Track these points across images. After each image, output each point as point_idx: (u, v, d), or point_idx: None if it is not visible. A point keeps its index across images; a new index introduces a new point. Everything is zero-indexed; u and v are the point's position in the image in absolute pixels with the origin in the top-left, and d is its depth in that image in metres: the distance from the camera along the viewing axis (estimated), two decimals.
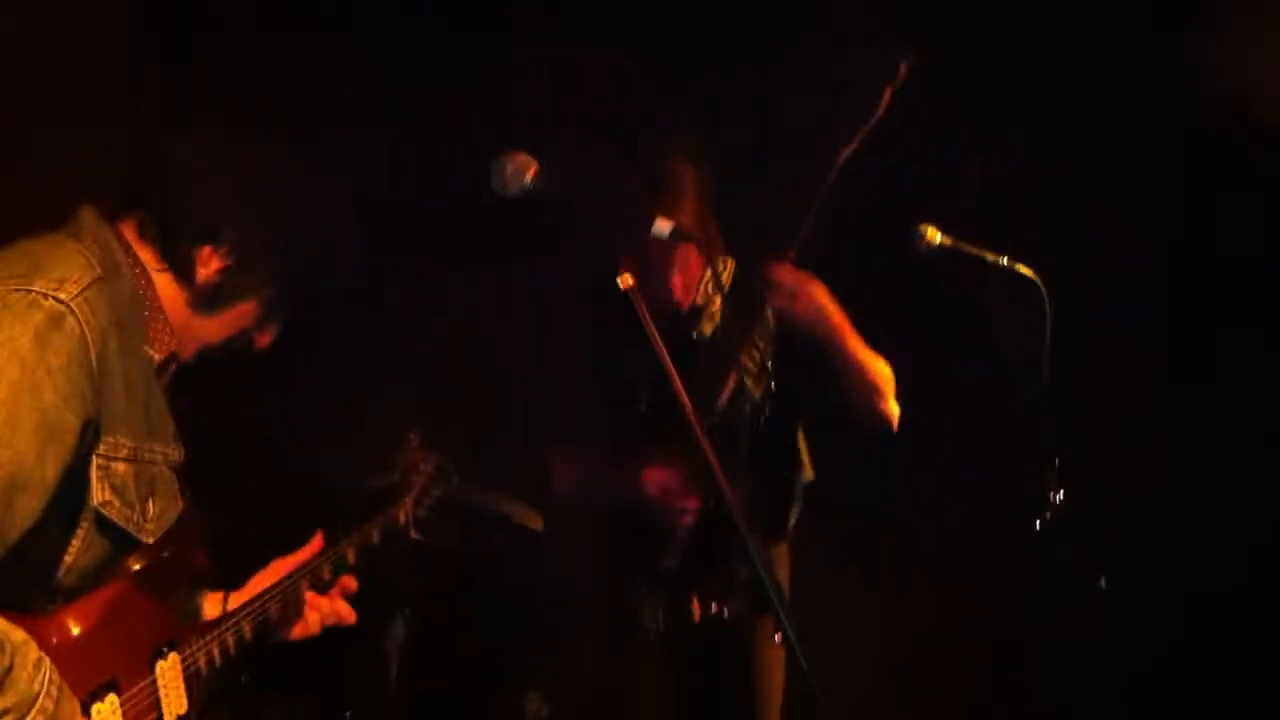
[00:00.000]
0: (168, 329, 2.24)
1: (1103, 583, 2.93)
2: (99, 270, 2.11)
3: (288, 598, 2.61)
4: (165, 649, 2.31)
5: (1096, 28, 4.06)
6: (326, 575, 2.71)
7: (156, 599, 2.30)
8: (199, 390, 2.39)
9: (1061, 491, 2.89)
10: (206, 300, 2.26)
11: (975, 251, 3.03)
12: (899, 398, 3.19)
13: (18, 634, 1.97)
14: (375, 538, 2.85)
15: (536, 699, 4.00)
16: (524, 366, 3.52)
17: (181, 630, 2.36)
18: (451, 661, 3.84)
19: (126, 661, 2.22)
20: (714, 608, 3.05)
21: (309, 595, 2.62)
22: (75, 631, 2.14)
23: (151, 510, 2.21)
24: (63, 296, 2.01)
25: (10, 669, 1.93)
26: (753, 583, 2.01)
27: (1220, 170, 4.02)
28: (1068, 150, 4.11)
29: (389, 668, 3.32)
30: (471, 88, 4.44)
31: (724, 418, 3.08)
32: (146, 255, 2.23)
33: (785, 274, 3.04)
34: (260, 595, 2.56)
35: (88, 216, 2.22)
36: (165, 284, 2.24)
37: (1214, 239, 4.06)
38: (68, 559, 2.12)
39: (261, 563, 2.70)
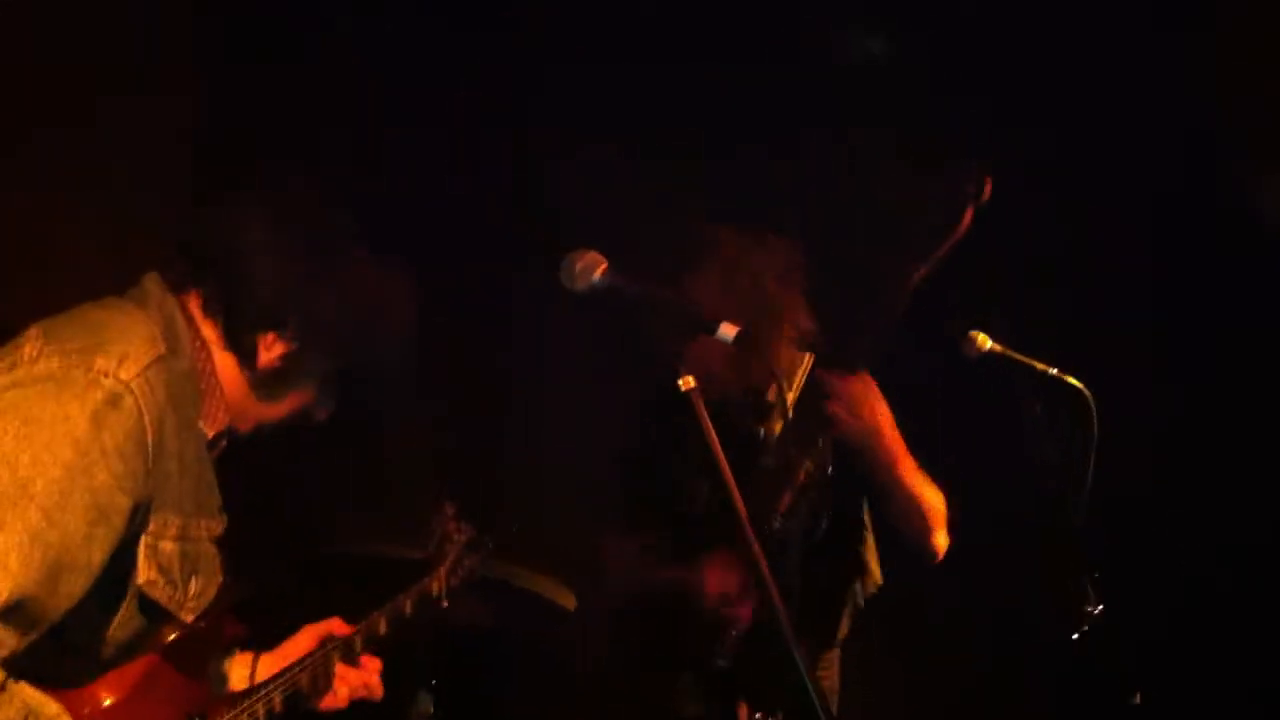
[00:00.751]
0: (223, 405, 2.25)
1: (1138, 699, 2.90)
2: (162, 346, 2.11)
3: (318, 669, 2.61)
4: (196, 717, 2.31)
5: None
6: (358, 646, 2.72)
7: (188, 670, 2.32)
8: (242, 459, 2.39)
9: (1100, 606, 2.87)
10: (267, 384, 2.28)
11: (1023, 359, 3.03)
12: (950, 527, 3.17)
13: (51, 707, 2.00)
14: (408, 609, 2.87)
15: None
16: (585, 453, 3.52)
17: (212, 701, 2.38)
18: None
19: None
20: (759, 717, 3.02)
21: (339, 667, 2.63)
22: (108, 703, 2.16)
23: (194, 588, 2.21)
24: (123, 376, 2.01)
25: None
26: (800, 695, 1.98)
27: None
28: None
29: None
30: (534, 174, 4.48)
31: (782, 526, 3.04)
32: (209, 331, 2.24)
33: (850, 388, 3.01)
34: (291, 666, 2.57)
35: (153, 285, 2.23)
36: (226, 363, 2.25)
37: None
38: (106, 634, 2.13)
39: (293, 629, 2.71)
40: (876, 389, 3.04)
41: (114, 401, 2.00)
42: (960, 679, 4.20)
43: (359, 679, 2.67)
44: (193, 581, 2.21)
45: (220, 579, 2.30)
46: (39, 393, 1.97)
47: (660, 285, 2.21)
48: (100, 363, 2.01)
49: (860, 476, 3.10)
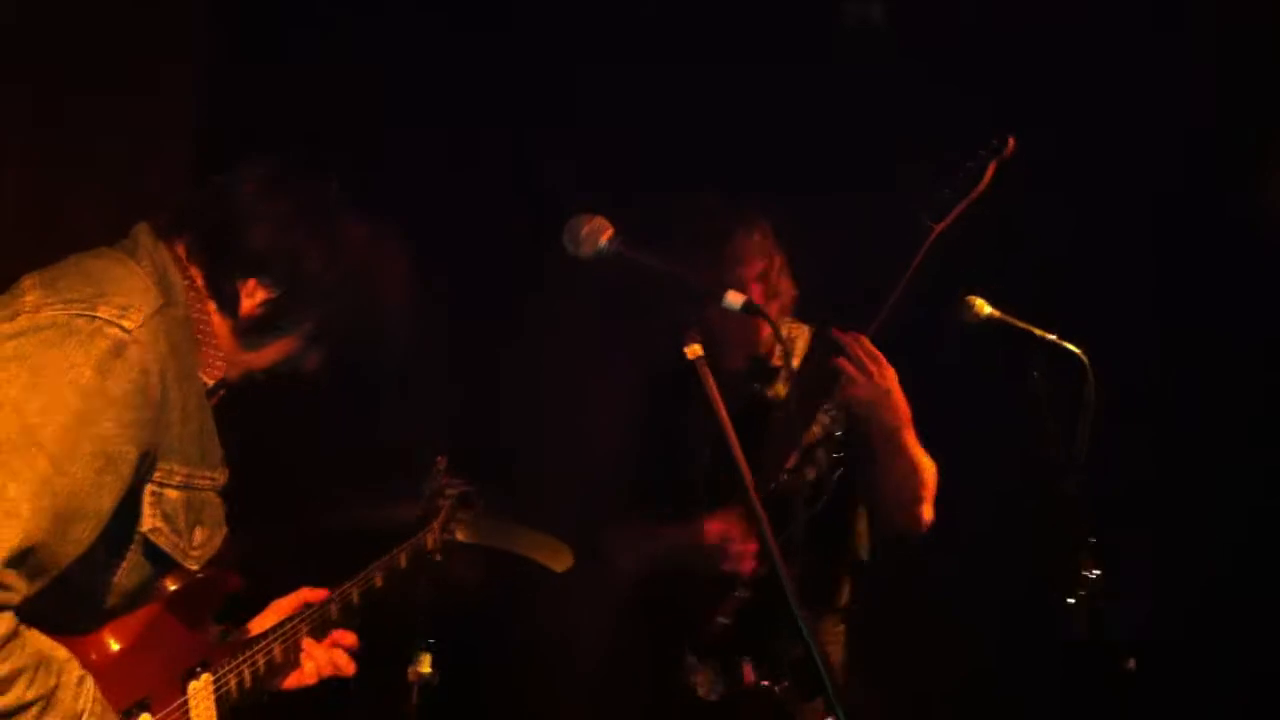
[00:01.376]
0: (218, 354, 2.26)
1: (1131, 664, 2.92)
2: (159, 295, 2.12)
3: (316, 621, 2.63)
4: (198, 669, 2.35)
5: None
6: (355, 599, 2.74)
7: (191, 620, 2.34)
8: (240, 413, 2.39)
9: (1097, 571, 2.89)
10: (249, 331, 2.28)
11: (1021, 325, 3.03)
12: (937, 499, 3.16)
13: (61, 652, 2.01)
14: (402, 562, 2.90)
15: None
16: (577, 425, 3.52)
17: (213, 651, 2.40)
18: (475, 696, 3.83)
19: (160, 680, 2.27)
20: (765, 683, 3.04)
21: (305, 642, 2.62)
22: (113, 650, 2.18)
23: (198, 537, 2.23)
24: (127, 325, 2.03)
25: (56, 688, 1.96)
26: (805, 661, 1.99)
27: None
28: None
29: (410, 699, 3.31)
30: (536, 131, 4.46)
31: (784, 487, 3.05)
32: (198, 279, 2.24)
33: (861, 351, 2.99)
34: (290, 618, 2.59)
35: (144, 236, 2.23)
36: (214, 310, 2.26)
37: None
38: (112, 581, 2.15)
39: (290, 585, 2.72)
40: (884, 359, 3.02)
41: (118, 350, 2.01)
42: (959, 644, 4.22)
43: (326, 656, 2.65)
44: (197, 530, 2.23)
45: (224, 529, 2.32)
46: (44, 340, 1.97)
47: (664, 255, 2.20)
48: (104, 311, 2.02)
49: (864, 440, 3.09)
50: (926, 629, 4.21)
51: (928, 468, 3.10)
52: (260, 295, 2.25)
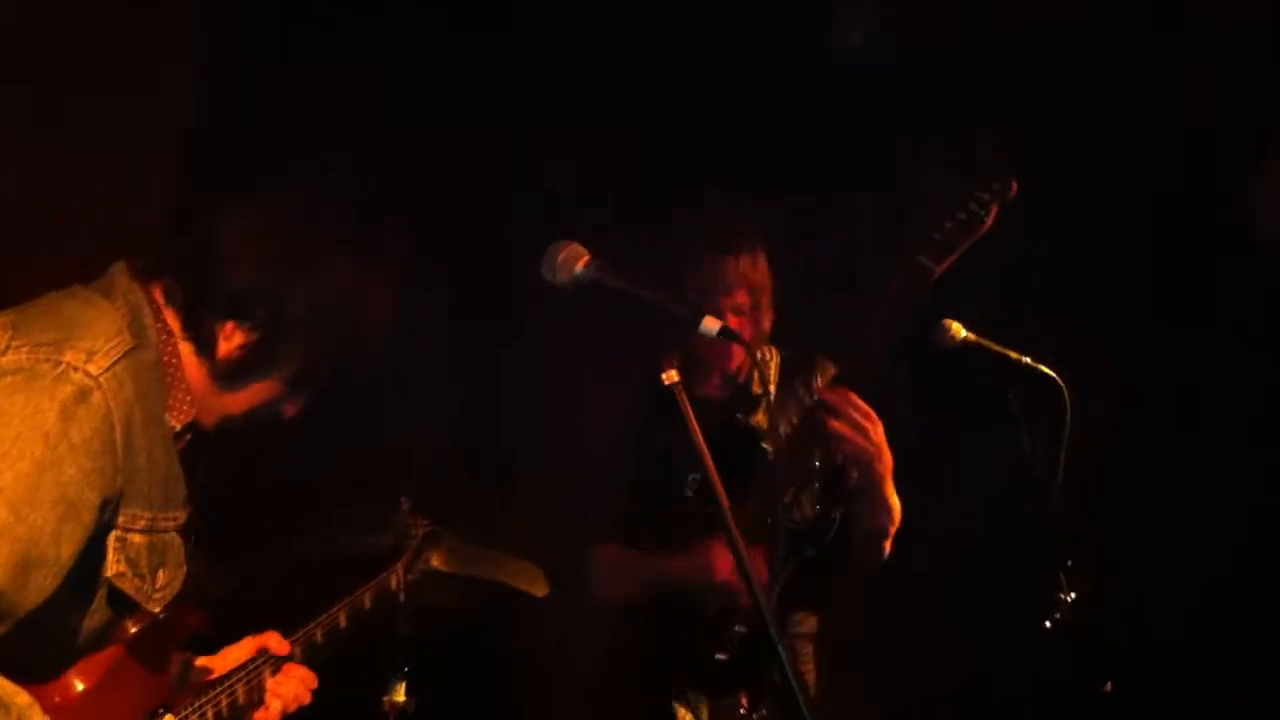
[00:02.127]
0: (188, 397, 2.22)
1: (1109, 687, 2.92)
2: (129, 338, 2.08)
3: (252, 681, 2.60)
4: (160, 710, 2.33)
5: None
6: (319, 639, 2.74)
7: (153, 661, 2.33)
8: (206, 453, 2.36)
9: (1074, 594, 2.90)
10: (226, 375, 2.23)
11: (997, 348, 3.04)
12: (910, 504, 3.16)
13: (23, 697, 1.99)
14: (366, 603, 2.88)
15: None
16: (564, 453, 3.50)
17: (175, 693, 2.39)
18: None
19: None
20: (745, 706, 3.03)
21: (270, 681, 2.60)
22: (77, 691, 2.18)
23: (161, 579, 2.20)
24: (92, 370, 1.99)
25: None
26: (783, 687, 1.98)
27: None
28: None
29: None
30: (537, 131, 4.46)
31: (784, 518, 3.05)
32: (174, 321, 2.21)
33: (853, 410, 2.96)
34: (253, 659, 2.59)
35: (120, 276, 2.20)
36: (188, 352, 2.22)
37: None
38: (76, 625, 2.12)
39: (254, 625, 2.70)
40: (872, 412, 2.99)
41: (82, 397, 1.98)
42: (935, 665, 4.22)
43: (291, 692, 2.63)
44: (160, 573, 2.20)
45: (185, 570, 2.29)
46: (8, 385, 1.95)
47: (642, 280, 2.19)
48: (69, 356, 1.99)
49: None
50: (911, 649, 4.21)
51: (896, 509, 3.10)
52: (238, 338, 2.21)
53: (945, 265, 2.93)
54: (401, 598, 2.98)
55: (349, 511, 3.41)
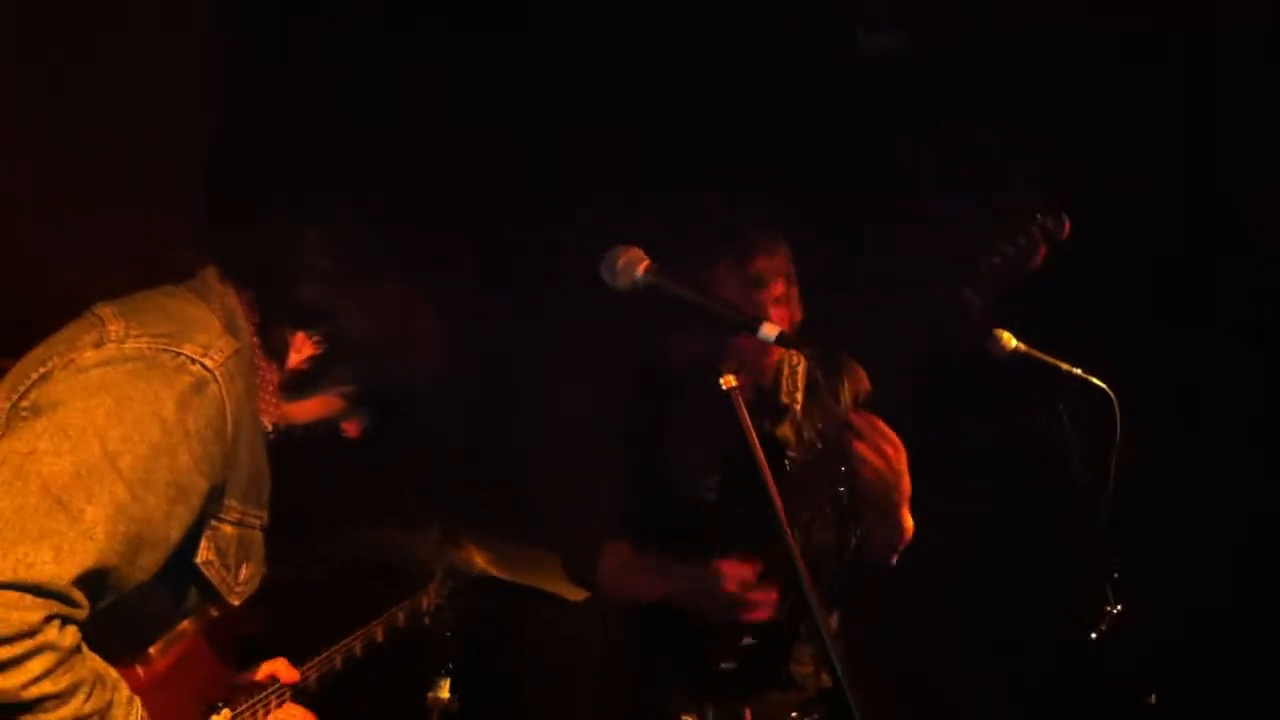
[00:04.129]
0: (273, 399, 2.29)
1: (1153, 700, 2.92)
2: (235, 340, 2.17)
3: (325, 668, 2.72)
4: (220, 704, 2.39)
5: None
6: (358, 651, 2.83)
7: (218, 655, 2.37)
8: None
9: (1119, 606, 2.89)
10: (291, 384, 2.30)
11: (1048, 359, 3.03)
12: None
13: (114, 673, 2.04)
14: (400, 621, 2.98)
15: None
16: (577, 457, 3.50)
17: (233, 689, 2.45)
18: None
19: (186, 710, 2.31)
20: (795, 716, 3.04)
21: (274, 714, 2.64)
22: (153, 675, 2.22)
23: (244, 574, 2.26)
24: (209, 364, 2.08)
25: (111, 704, 1.99)
26: (833, 691, 1.99)
27: None
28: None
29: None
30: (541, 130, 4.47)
31: (803, 537, 3.06)
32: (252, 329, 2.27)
33: (878, 436, 2.91)
34: (309, 664, 2.67)
35: (213, 280, 2.28)
36: (262, 359, 2.28)
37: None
38: (160, 610, 2.19)
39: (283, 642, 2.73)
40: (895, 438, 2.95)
41: (199, 387, 2.06)
42: (977, 678, 4.22)
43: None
44: (244, 567, 2.26)
45: (264, 569, 2.34)
46: (130, 372, 2.02)
47: (696, 285, 2.21)
48: (188, 349, 2.08)
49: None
50: (948, 661, 4.21)
51: (909, 530, 3.08)
52: (307, 350, 2.29)
53: (988, 298, 2.84)
54: (427, 620, 3.07)
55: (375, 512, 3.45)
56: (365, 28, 4.45)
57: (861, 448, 2.90)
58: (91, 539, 1.91)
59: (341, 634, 2.86)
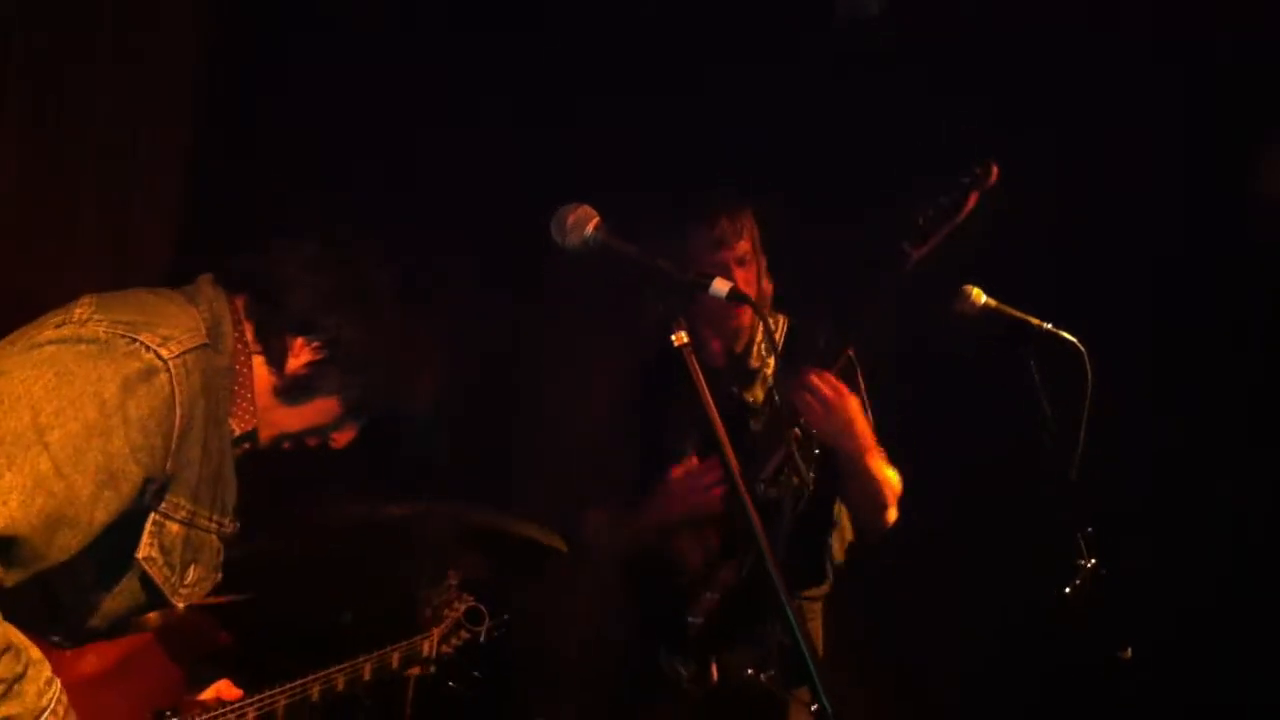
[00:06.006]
0: (251, 407, 2.28)
1: (1128, 653, 2.91)
2: (205, 338, 2.16)
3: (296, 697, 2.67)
4: (169, 714, 2.35)
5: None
6: (340, 687, 2.79)
7: (170, 661, 2.35)
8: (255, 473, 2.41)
9: (1093, 560, 2.88)
10: (290, 390, 2.30)
11: (1018, 314, 3.02)
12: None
13: (35, 652, 2.02)
14: (395, 663, 2.93)
15: None
16: (561, 417, 3.51)
17: (186, 700, 2.42)
18: (465, 689, 3.83)
19: (129, 713, 2.28)
20: (751, 671, 3.05)
21: None
22: (88, 672, 2.19)
23: (190, 575, 2.24)
24: (163, 354, 2.07)
25: (21, 678, 1.97)
26: (791, 651, 1.99)
27: None
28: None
29: (405, 693, 3.31)
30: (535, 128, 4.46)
31: (768, 488, 3.08)
32: (250, 335, 2.28)
33: (823, 385, 3.03)
34: (270, 692, 2.62)
35: (206, 285, 2.29)
36: (259, 364, 2.28)
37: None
38: (100, 602, 2.16)
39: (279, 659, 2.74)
40: (845, 389, 3.05)
41: (148, 375, 2.05)
42: (951, 635, 4.22)
43: None
44: (191, 569, 2.23)
45: (218, 576, 2.32)
46: (80, 352, 2.02)
47: (652, 242, 2.20)
48: (145, 337, 2.07)
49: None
50: (919, 618, 4.21)
51: (890, 480, 3.17)
52: (305, 355, 2.28)
53: (924, 250, 2.97)
54: (432, 668, 3.02)
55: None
56: (344, 28, 4.45)
57: (807, 398, 2.98)
58: (4, 504, 1.89)
59: (325, 663, 2.80)
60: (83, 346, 2.03)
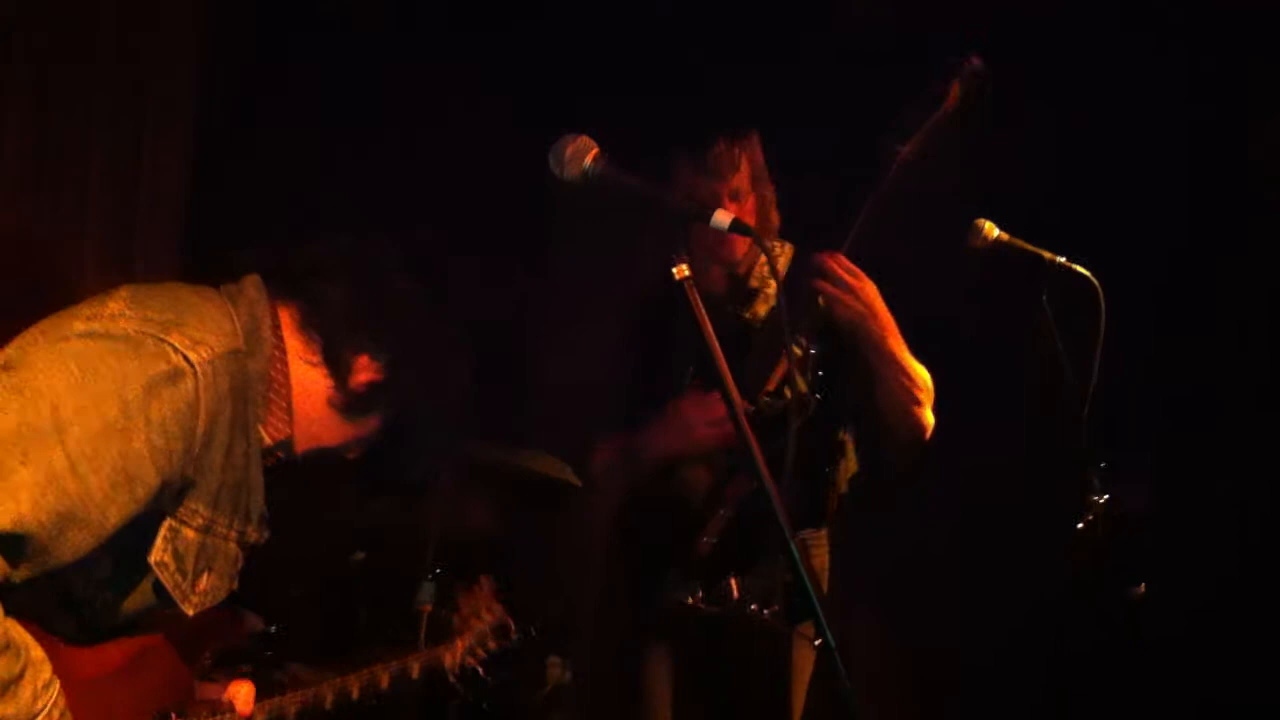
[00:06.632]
0: (286, 416, 2.23)
1: (1141, 588, 2.90)
2: (240, 343, 2.11)
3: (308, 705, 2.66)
4: (173, 714, 2.31)
5: None
6: (355, 694, 2.77)
7: (178, 662, 2.32)
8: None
9: (1105, 496, 2.86)
10: (352, 405, 2.25)
11: (1031, 248, 2.99)
12: (936, 409, 3.15)
13: (37, 651, 1.99)
14: (414, 672, 2.88)
15: (558, 663, 4.01)
16: (567, 354, 3.50)
17: (193, 702, 2.38)
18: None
19: (137, 710, 2.24)
20: (754, 607, 3.04)
21: None
22: (95, 666, 2.15)
23: (203, 584, 2.19)
24: (192, 357, 2.02)
25: (19, 678, 1.94)
26: (795, 585, 1.97)
27: None
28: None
29: (419, 629, 3.33)
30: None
31: (770, 406, 3.06)
32: (296, 343, 2.22)
33: (837, 267, 3.01)
34: (282, 699, 2.62)
35: (250, 288, 2.23)
36: (308, 376, 2.23)
37: None
38: (113, 603, 2.13)
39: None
40: (861, 272, 3.03)
41: (173, 378, 2.00)
42: (959, 567, 4.21)
43: None
44: (205, 577, 2.18)
45: (233, 586, 2.28)
46: (107, 348, 1.97)
47: (652, 172, 2.17)
48: (175, 338, 2.02)
49: (847, 357, 3.11)
50: (927, 558, 4.19)
51: (921, 373, 3.12)
52: (366, 374, 2.24)
53: (911, 147, 2.96)
54: (454, 680, 2.94)
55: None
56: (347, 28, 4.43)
57: (824, 285, 2.98)
58: (15, 500, 1.85)
59: (341, 669, 2.77)
60: (109, 343, 1.98)
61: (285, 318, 2.22)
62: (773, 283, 3.21)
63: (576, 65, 4.60)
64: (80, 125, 4.03)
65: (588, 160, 2.12)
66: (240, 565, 2.27)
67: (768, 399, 3.07)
